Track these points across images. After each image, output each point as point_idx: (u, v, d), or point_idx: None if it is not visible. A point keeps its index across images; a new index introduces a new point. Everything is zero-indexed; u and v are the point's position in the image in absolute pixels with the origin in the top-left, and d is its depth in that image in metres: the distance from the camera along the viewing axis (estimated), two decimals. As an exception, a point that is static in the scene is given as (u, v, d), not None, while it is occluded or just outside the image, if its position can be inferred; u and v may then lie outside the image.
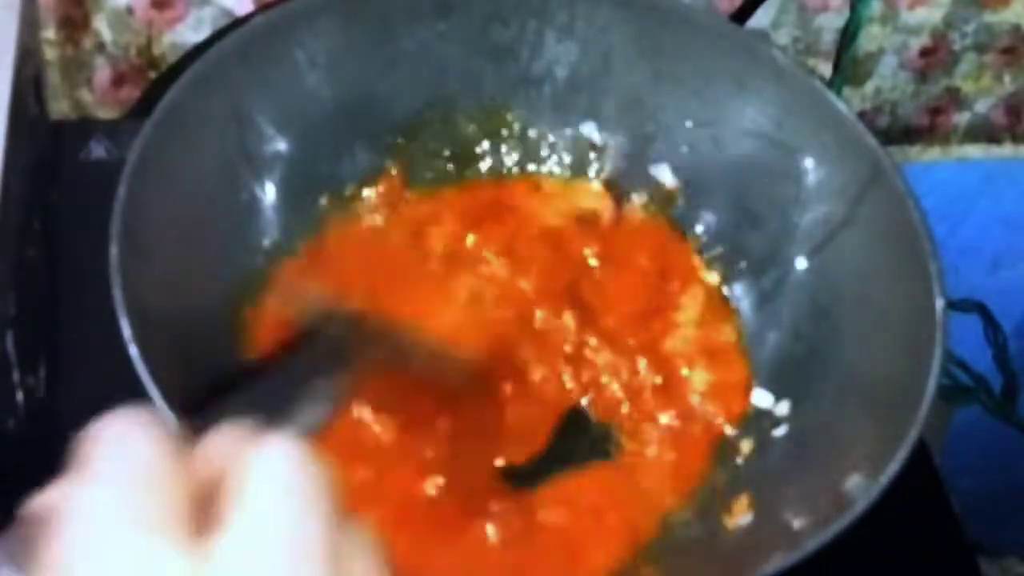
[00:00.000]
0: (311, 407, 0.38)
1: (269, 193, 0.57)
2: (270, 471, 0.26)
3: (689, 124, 0.61)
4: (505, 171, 0.62)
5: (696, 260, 0.61)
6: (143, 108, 0.71)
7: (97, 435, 0.26)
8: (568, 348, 0.57)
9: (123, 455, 0.26)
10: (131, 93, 0.72)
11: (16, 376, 0.52)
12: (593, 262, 0.60)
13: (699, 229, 0.61)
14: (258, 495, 0.26)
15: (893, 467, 0.47)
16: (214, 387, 0.40)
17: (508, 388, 0.55)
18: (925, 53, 0.83)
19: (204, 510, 0.26)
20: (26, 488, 0.26)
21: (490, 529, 0.51)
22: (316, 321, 0.51)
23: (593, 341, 0.57)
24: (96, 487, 0.25)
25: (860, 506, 0.46)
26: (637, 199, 0.62)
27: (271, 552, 0.25)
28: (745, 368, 0.58)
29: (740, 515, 0.52)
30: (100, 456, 0.26)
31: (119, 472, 0.26)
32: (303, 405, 0.38)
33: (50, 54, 0.69)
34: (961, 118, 0.88)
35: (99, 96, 0.72)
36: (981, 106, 0.88)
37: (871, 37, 0.80)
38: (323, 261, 0.58)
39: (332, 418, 0.40)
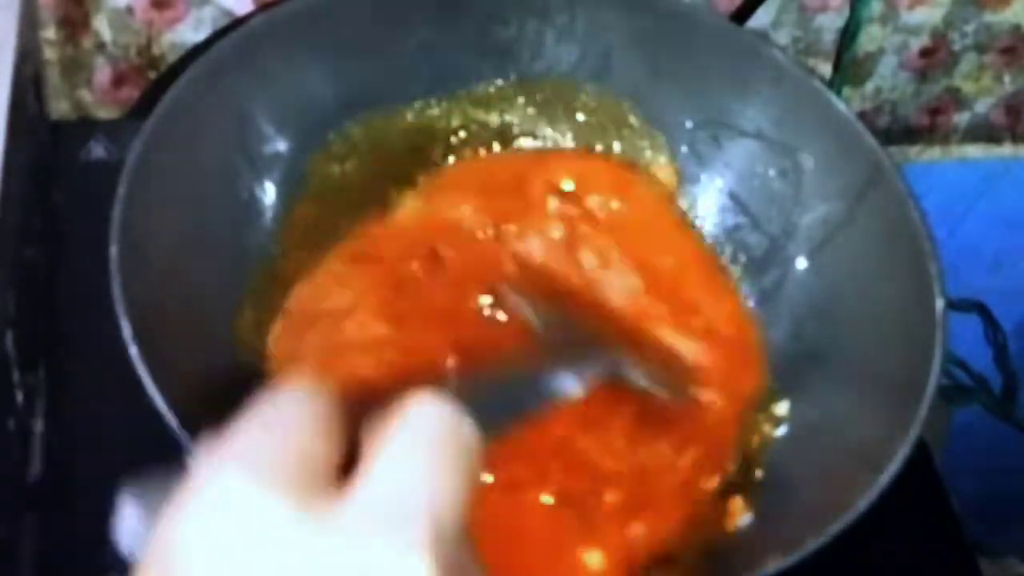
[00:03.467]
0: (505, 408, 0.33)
1: (269, 193, 0.57)
2: (413, 425, 0.26)
3: (689, 124, 0.61)
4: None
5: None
6: (143, 108, 0.71)
7: (253, 405, 0.27)
8: None
9: (268, 420, 0.26)
10: (131, 93, 0.72)
11: (16, 376, 0.52)
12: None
13: (699, 230, 0.61)
14: (394, 450, 0.26)
15: (893, 467, 0.47)
16: None
17: None
18: (925, 53, 0.83)
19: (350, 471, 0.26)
20: (26, 487, 0.27)
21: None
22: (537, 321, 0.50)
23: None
24: (233, 444, 0.26)
25: (860, 506, 0.46)
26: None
27: (390, 512, 0.25)
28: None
29: (740, 515, 0.52)
30: (247, 421, 0.26)
31: (259, 433, 0.26)
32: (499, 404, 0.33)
33: (50, 54, 0.69)
34: (961, 118, 0.88)
35: (99, 96, 0.72)
36: (981, 106, 0.87)
37: (871, 37, 0.80)
38: None
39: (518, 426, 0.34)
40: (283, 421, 0.26)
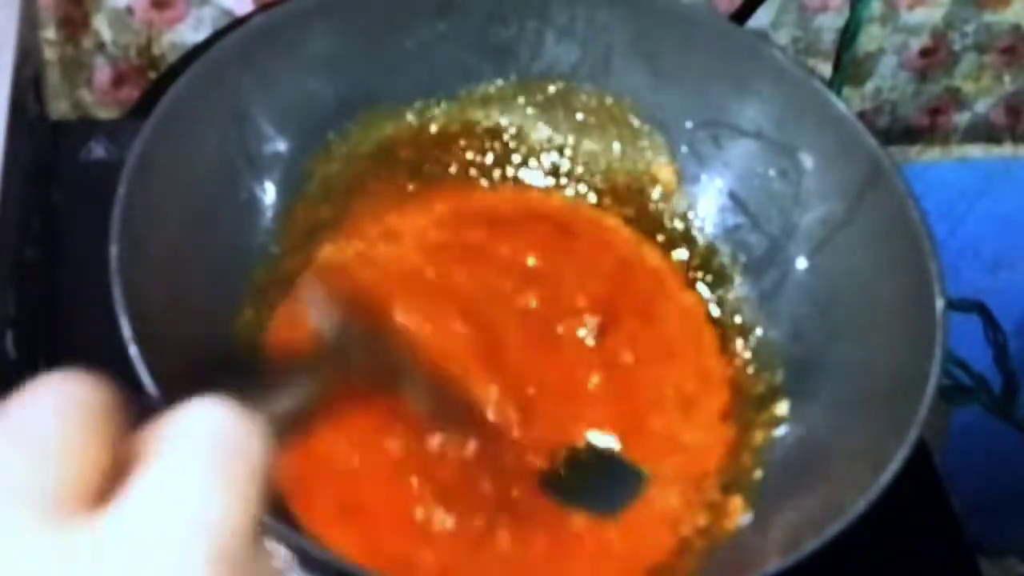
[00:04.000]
0: (284, 399, 0.33)
1: (269, 193, 0.57)
2: (188, 432, 0.23)
3: (689, 124, 0.61)
4: (505, 171, 0.63)
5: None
6: (143, 108, 0.71)
7: (12, 401, 0.23)
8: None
9: (21, 422, 0.22)
10: (131, 93, 0.72)
11: (16, 376, 0.52)
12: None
13: (699, 229, 0.61)
14: (164, 461, 0.22)
15: (893, 467, 0.47)
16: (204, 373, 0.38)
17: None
18: (925, 53, 0.83)
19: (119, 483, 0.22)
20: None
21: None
22: (329, 330, 0.49)
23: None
24: None
25: (860, 506, 0.46)
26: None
27: (156, 534, 0.21)
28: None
29: (739, 515, 0.52)
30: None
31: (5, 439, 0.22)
32: (277, 396, 0.33)
33: (50, 54, 0.69)
34: (961, 118, 0.88)
35: (99, 96, 0.72)
36: (981, 106, 0.88)
37: (871, 37, 0.80)
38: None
39: (304, 418, 0.34)
40: (29, 423, 0.22)
